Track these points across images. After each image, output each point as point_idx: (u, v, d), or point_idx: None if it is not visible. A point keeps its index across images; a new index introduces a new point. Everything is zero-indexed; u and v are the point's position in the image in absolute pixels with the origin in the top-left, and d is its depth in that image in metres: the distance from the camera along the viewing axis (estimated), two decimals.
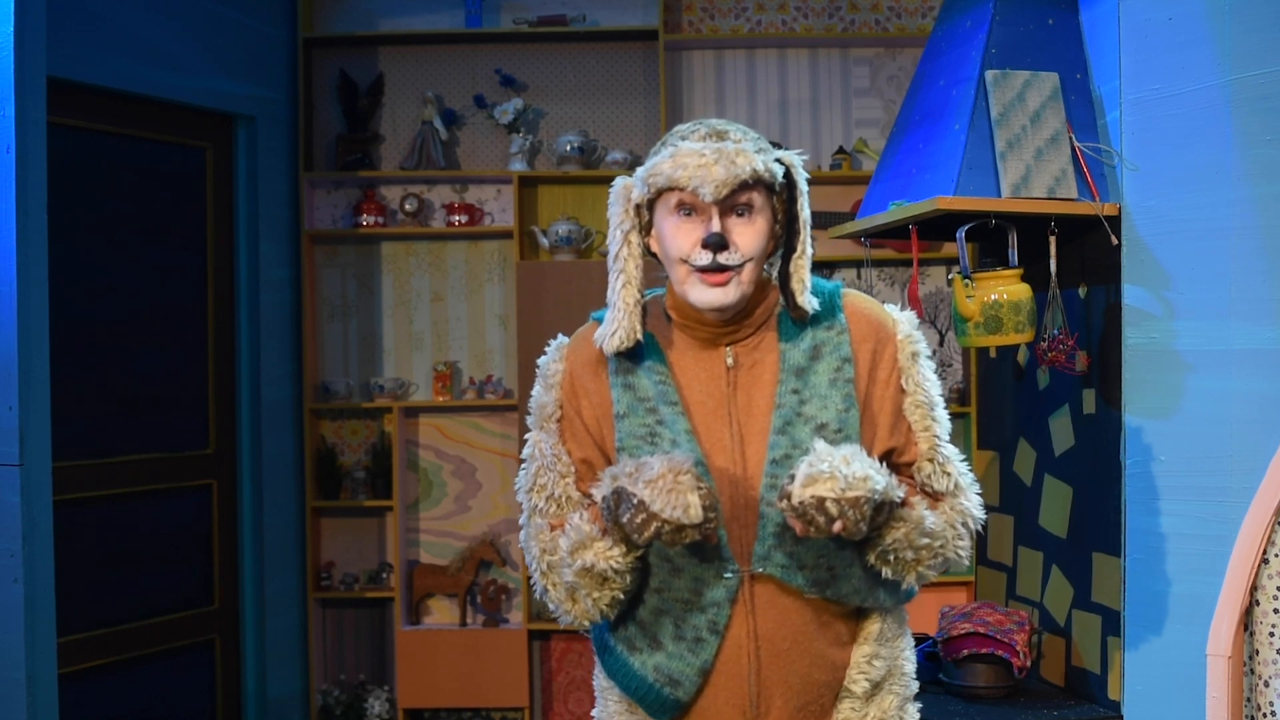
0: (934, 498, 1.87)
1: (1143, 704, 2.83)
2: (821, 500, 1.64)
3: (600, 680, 1.98)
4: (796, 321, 1.86)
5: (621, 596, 1.83)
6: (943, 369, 4.47)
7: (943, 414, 1.88)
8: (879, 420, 1.85)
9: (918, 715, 1.96)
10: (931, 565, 1.81)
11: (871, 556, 1.80)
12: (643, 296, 1.85)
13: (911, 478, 1.87)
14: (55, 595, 3.06)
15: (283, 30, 4.40)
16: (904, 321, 1.89)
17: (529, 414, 1.93)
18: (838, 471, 1.64)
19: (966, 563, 1.89)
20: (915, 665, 1.96)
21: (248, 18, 4.20)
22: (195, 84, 4.00)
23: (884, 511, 1.72)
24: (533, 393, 1.93)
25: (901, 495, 1.75)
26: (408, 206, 4.50)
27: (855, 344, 1.85)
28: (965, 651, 3.14)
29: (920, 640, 3.37)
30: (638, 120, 4.57)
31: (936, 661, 3.27)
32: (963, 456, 1.91)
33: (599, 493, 1.77)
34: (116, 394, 3.86)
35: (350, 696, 4.49)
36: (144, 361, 3.95)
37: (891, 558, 1.79)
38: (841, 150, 4.48)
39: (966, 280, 2.92)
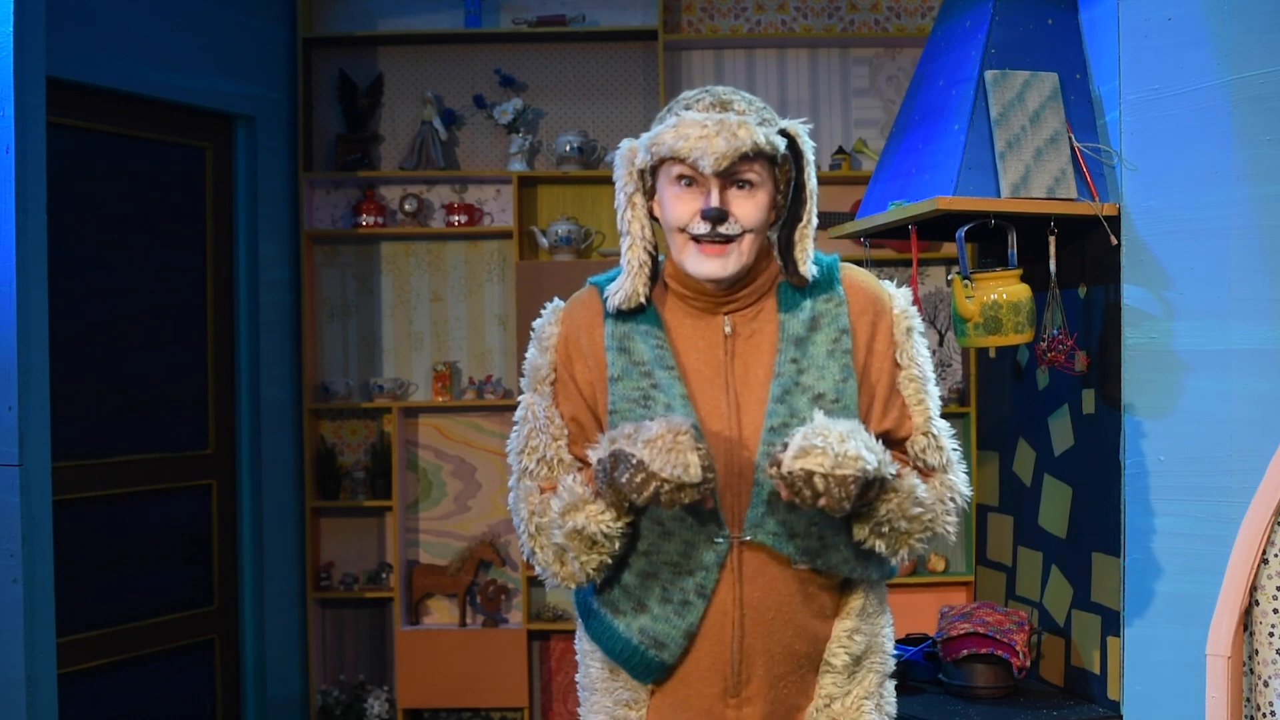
0: (925, 473, 1.88)
1: (1142, 704, 2.83)
2: (810, 474, 1.65)
3: (583, 644, 1.99)
4: (795, 291, 1.86)
5: (610, 560, 1.84)
6: (942, 369, 4.47)
7: (934, 390, 1.91)
8: (876, 392, 1.86)
9: (894, 692, 1.98)
10: (922, 539, 1.83)
11: (866, 529, 1.81)
12: (650, 257, 1.84)
13: (905, 452, 1.89)
14: (55, 595, 3.06)
15: (282, 30, 4.40)
16: (899, 296, 1.91)
17: (522, 376, 1.93)
18: (830, 448, 1.65)
19: (954, 538, 1.90)
20: (894, 643, 1.98)
21: (247, 18, 4.20)
22: (195, 84, 4.00)
23: (874, 488, 1.74)
24: (527, 355, 1.93)
25: (894, 471, 1.76)
26: (407, 206, 4.50)
27: (854, 316, 1.86)
28: (965, 651, 3.13)
29: (920, 640, 3.38)
30: (637, 120, 4.56)
31: (936, 661, 3.26)
32: (953, 432, 1.93)
33: (595, 455, 1.77)
34: (116, 394, 3.86)
35: (350, 696, 4.49)
36: (144, 361, 3.95)
37: (885, 529, 1.80)
38: (841, 150, 4.48)
39: (966, 281, 2.92)
